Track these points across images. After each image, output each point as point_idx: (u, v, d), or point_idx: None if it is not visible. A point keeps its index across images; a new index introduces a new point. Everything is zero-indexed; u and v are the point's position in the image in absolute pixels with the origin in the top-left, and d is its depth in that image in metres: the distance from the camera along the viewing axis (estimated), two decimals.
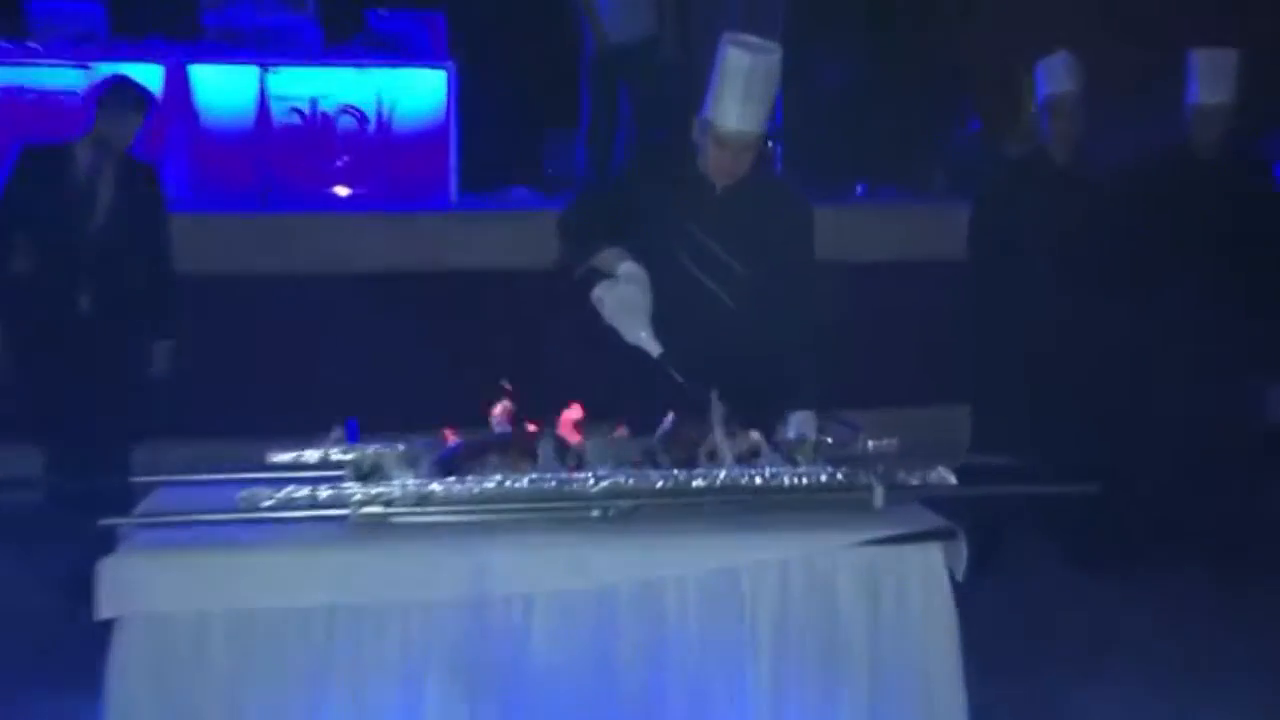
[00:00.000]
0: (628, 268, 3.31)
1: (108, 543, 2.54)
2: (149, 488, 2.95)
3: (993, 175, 5.81)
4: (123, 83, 5.09)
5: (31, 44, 6.64)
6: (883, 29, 8.01)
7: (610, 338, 3.31)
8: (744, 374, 3.14)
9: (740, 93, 3.33)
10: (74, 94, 6.53)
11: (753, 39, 3.39)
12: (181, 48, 6.68)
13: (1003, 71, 7.42)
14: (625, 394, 3.27)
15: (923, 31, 8.00)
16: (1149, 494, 4.85)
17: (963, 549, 2.70)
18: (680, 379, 3.14)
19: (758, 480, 2.72)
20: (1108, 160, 5.24)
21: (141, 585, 2.44)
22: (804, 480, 2.73)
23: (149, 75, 5.89)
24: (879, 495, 2.74)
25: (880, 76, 7.89)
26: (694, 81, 7.80)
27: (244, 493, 2.58)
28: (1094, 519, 4.99)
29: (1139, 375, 5.05)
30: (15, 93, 6.55)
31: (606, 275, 3.31)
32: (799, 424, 3.09)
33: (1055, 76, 5.03)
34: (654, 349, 3.25)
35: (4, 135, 6.35)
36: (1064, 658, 4.31)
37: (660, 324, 3.29)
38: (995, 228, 5.08)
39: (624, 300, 3.27)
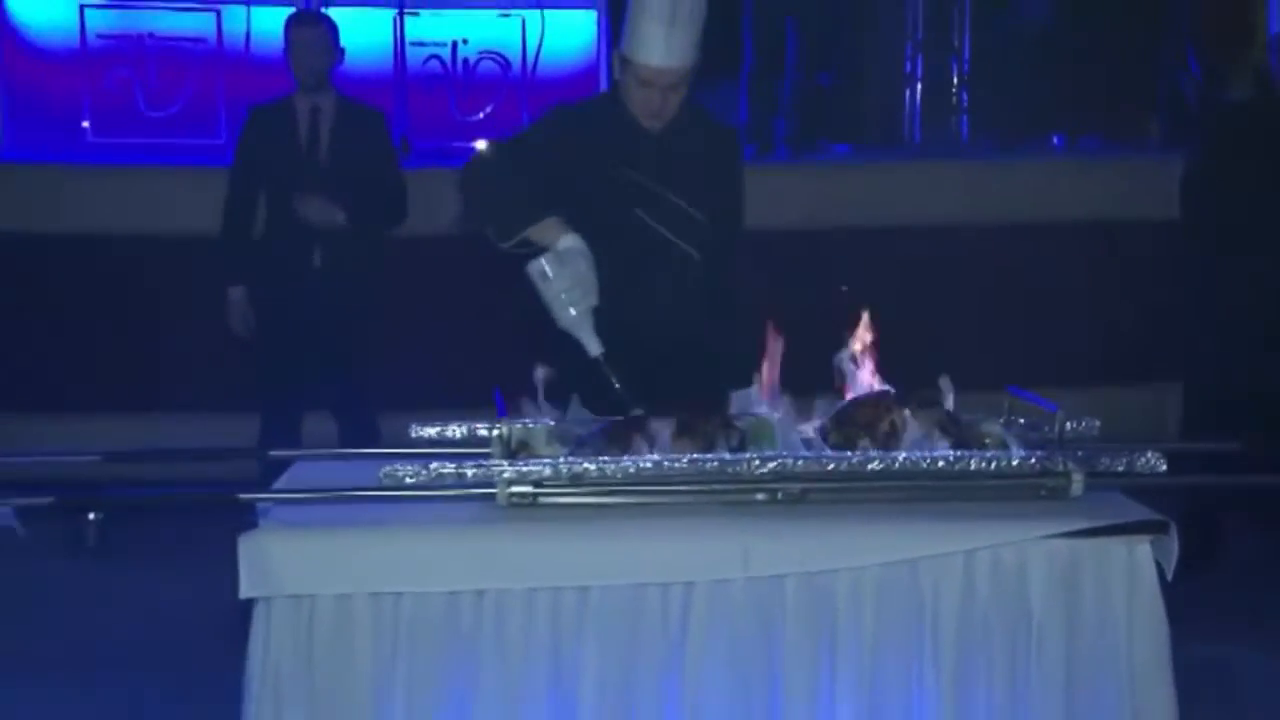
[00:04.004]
0: (572, 241, 3.17)
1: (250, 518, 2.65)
2: (287, 461, 3.08)
3: (1211, 122, 5.66)
4: (298, 14, 5.37)
5: None
6: None
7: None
8: (726, 331, 3.18)
9: (663, 23, 3.19)
10: (204, 40, 6.81)
11: None
12: None
13: (1228, 2, 7.19)
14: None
15: None
16: None
17: (1174, 544, 2.65)
18: (618, 383, 3.09)
19: (940, 464, 2.70)
20: None
21: (281, 566, 2.52)
22: (993, 465, 2.71)
23: (281, 17, 6.09)
24: (1078, 483, 2.71)
25: (1082, 10, 7.69)
26: (862, 23, 7.81)
27: (386, 469, 2.64)
28: None
29: None
30: (143, 38, 6.83)
31: (541, 249, 3.17)
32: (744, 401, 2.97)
33: None
34: (595, 346, 3.16)
35: (132, 83, 6.69)
36: None
37: (629, 286, 3.27)
38: (1213, 182, 4.95)
39: (579, 278, 3.15)
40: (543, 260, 3.15)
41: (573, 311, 3.16)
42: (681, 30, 3.22)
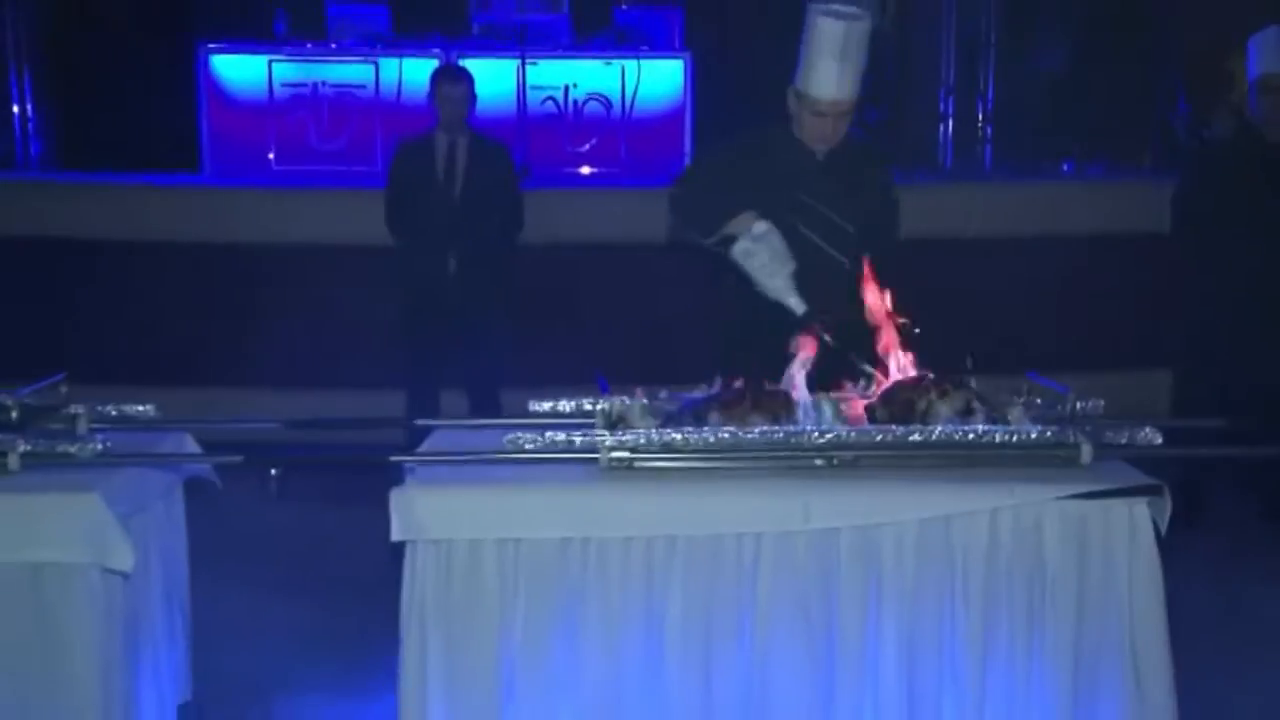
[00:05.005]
0: (764, 226, 3.15)
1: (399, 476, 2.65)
2: (428, 429, 3.08)
3: (1197, 153, 5.50)
4: (444, 70, 5.39)
5: (329, 43, 7.02)
6: (1093, 7, 7.66)
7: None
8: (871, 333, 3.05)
9: (835, 61, 3.17)
10: (364, 87, 6.89)
11: (843, 7, 3.21)
12: (454, 43, 6.94)
13: (1213, 48, 6.98)
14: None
15: (1133, 10, 7.60)
16: None
17: (1167, 504, 2.57)
18: (829, 339, 3.02)
19: (970, 436, 2.65)
20: None
21: (424, 515, 2.52)
22: (1014, 437, 2.65)
23: (426, 68, 6.15)
24: (1086, 453, 2.64)
25: (1090, 56, 7.54)
26: (903, 69, 7.68)
27: (509, 436, 2.64)
28: None
29: None
30: (316, 86, 6.94)
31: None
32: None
33: (1268, 53, 4.70)
34: (800, 306, 3.11)
35: (308, 122, 6.79)
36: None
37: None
38: (1198, 203, 4.81)
39: (777, 252, 3.12)
40: (745, 242, 3.14)
41: (778, 281, 3.14)
42: (851, 65, 3.21)
